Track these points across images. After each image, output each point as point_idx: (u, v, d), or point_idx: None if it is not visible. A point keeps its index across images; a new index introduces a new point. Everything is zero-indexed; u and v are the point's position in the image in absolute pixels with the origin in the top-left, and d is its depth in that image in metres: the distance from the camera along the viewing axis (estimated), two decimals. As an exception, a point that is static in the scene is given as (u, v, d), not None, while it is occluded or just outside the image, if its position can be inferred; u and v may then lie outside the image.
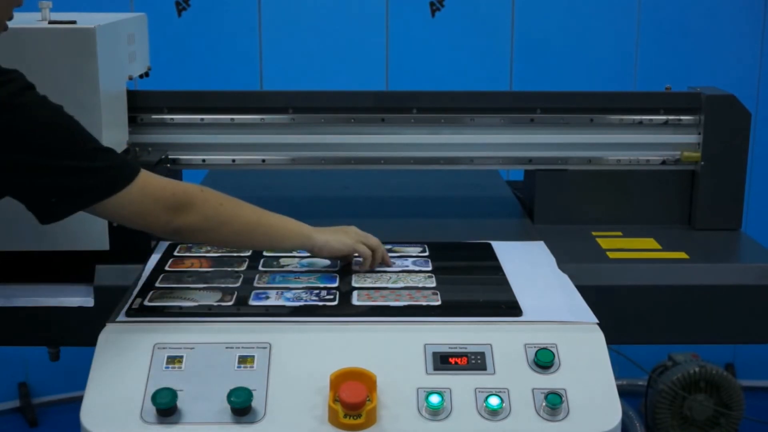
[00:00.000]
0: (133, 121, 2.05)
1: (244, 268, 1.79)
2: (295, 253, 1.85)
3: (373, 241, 1.78)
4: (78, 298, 1.80)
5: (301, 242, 1.72)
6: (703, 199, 2.10)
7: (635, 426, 3.17)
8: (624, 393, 1.59)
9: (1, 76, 1.43)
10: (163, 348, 1.50)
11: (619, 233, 2.08)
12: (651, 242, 2.02)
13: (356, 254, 1.77)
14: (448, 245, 1.94)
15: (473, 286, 1.79)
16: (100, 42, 1.76)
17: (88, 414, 1.41)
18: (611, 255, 1.94)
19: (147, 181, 1.54)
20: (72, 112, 1.76)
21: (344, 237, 1.75)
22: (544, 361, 1.48)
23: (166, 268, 1.79)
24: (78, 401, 1.43)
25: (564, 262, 1.85)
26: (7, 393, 3.59)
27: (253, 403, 1.41)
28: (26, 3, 1.91)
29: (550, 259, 1.87)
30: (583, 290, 1.72)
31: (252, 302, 1.64)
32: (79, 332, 1.74)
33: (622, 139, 2.12)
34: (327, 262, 1.80)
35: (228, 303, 1.63)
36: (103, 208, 1.50)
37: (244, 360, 1.49)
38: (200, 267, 1.80)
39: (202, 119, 2.08)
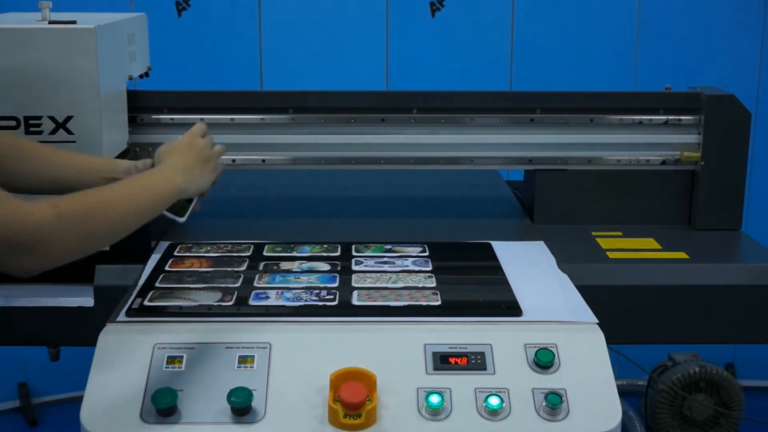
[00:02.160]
0: (133, 121, 2.05)
1: (244, 268, 1.79)
2: (295, 253, 1.86)
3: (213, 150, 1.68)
4: (78, 298, 1.80)
5: (176, 198, 1.57)
6: (703, 199, 2.10)
7: (635, 426, 3.17)
8: (624, 393, 1.60)
9: None
10: (163, 348, 1.50)
11: (619, 233, 2.08)
12: (651, 242, 2.02)
13: None
14: (448, 245, 1.94)
15: (473, 286, 1.79)
16: (100, 42, 1.76)
17: (88, 414, 1.41)
18: (611, 255, 1.94)
19: None
20: (72, 112, 1.77)
21: (211, 175, 1.65)
22: (544, 361, 1.48)
23: (166, 268, 1.79)
24: (78, 401, 1.43)
25: (564, 262, 1.85)
26: (7, 393, 3.58)
27: (253, 403, 1.41)
28: (26, 3, 1.92)
29: (550, 259, 1.87)
30: (583, 290, 1.72)
31: (252, 302, 1.64)
32: (79, 332, 1.74)
33: (622, 139, 2.12)
34: (327, 266, 1.81)
35: (228, 303, 1.63)
36: None
37: (244, 360, 1.49)
38: (200, 267, 1.80)
39: (202, 119, 2.08)
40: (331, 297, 1.66)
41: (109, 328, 1.55)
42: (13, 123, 1.76)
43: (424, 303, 1.64)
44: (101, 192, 1.41)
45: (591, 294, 1.70)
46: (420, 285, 1.71)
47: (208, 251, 1.88)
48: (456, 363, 1.49)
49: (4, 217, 1.23)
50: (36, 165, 1.60)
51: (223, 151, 1.72)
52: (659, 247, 2.00)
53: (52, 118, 1.76)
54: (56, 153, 1.67)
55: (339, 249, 1.90)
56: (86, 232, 1.34)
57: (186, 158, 1.60)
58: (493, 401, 1.42)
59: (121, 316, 1.58)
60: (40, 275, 1.82)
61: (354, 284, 1.72)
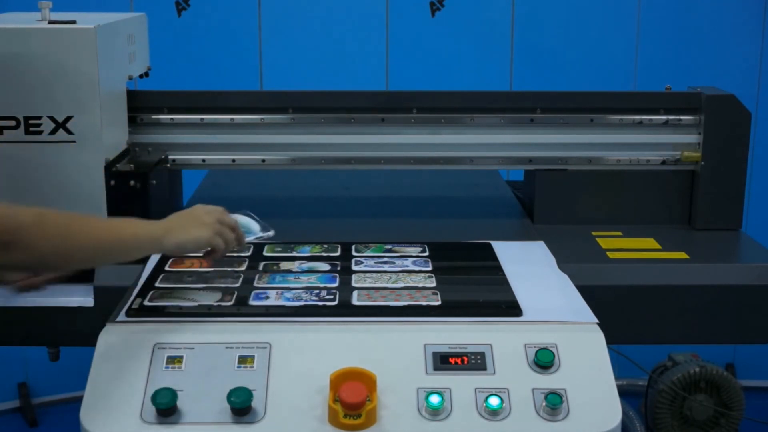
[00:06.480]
0: (133, 121, 2.05)
1: (244, 268, 1.79)
2: (294, 253, 1.86)
3: (228, 235, 1.64)
4: (78, 298, 1.80)
5: (152, 248, 1.59)
6: (703, 199, 2.10)
7: (635, 426, 3.17)
8: (624, 393, 1.59)
9: None
10: (163, 348, 1.50)
11: (619, 233, 2.08)
12: (651, 242, 2.02)
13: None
14: (448, 245, 1.94)
15: (473, 286, 1.79)
16: (100, 42, 1.76)
17: (88, 414, 1.41)
18: (611, 255, 1.94)
19: None
20: (72, 112, 1.77)
21: (200, 231, 1.58)
22: (544, 361, 1.48)
23: (166, 268, 1.79)
24: (78, 401, 1.43)
25: (564, 262, 1.85)
26: (7, 393, 3.58)
27: (253, 403, 1.41)
28: (26, 3, 1.92)
29: (550, 259, 1.87)
30: (583, 290, 1.71)
31: (252, 302, 1.64)
32: (79, 332, 1.74)
33: (622, 139, 2.12)
34: (327, 266, 1.80)
35: (228, 303, 1.63)
36: None
37: (244, 360, 1.49)
38: (200, 267, 1.80)
39: (202, 119, 2.08)
40: (331, 297, 1.66)
41: (109, 328, 1.55)
42: (13, 123, 1.76)
43: (424, 303, 1.64)
44: (87, 216, 1.50)
45: (591, 294, 1.69)
46: (420, 285, 1.71)
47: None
48: (456, 363, 1.49)
49: None
50: None
51: (229, 239, 1.64)
52: (659, 247, 2.00)
53: (52, 118, 1.76)
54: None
55: (339, 249, 1.90)
56: (61, 244, 1.41)
57: (180, 218, 1.59)
58: (493, 401, 1.42)
59: (121, 316, 1.58)
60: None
61: (354, 284, 1.72)
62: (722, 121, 2.08)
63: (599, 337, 1.55)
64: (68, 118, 1.76)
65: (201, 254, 1.69)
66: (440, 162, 2.13)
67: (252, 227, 1.79)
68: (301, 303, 1.63)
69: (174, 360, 1.48)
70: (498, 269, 1.81)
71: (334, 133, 2.11)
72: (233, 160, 2.12)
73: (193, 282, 1.72)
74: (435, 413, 1.42)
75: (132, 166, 1.92)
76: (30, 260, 1.38)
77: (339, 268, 1.79)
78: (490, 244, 1.94)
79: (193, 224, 1.59)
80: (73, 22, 1.77)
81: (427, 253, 1.88)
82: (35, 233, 1.36)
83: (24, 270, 1.43)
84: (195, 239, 1.59)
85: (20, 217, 1.36)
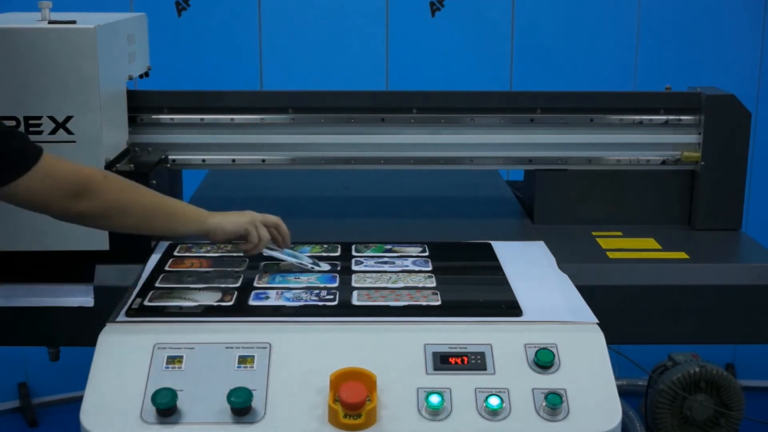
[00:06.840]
0: (133, 121, 2.05)
1: (244, 268, 1.79)
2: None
3: (263, 232, 1.75)
4: (78, 298, 1.80)
5: (196, 226, 1.70)
6: (703, 199, 2.10)
7: (635, 426, 3.17)
8: (624, 393, 1.59)
9: None
10: (163, 348, 1.50)
11: (619, 233, 2.08)
12: (651, 242, 2.02)
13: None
14: (448, 245, 1.94)
15: (473, 286, 1.79)
16: (100, 42, 1.76)
17: (88, 414, 1.41)
18: (611, 255, 1.94)
19: (50, 164, 1.50)
20: (72, 112, 1.77)
21: (239, 218, 1.73)
22: (544, 361, 1.48)
23: (166, 268, 1.79)
24: (78, 401, 1.43)
25: (564, 262, 1.85)
26: (7, 393, 3.58)
27: (253, 403, 1.41)
28: (26, 3, 1.92)
29: (550, 259, 1.87)
30: (583, 290, 1.72)
31: (252, 302, 1.64)
32: (79, 332, 1.74)
33: (622, 139, 2.12)
34: (327, 266, 1.80)
35: (228, 303, 1.63)
36: (3, 192, 1.48)
37: (244, 360, 1.49)
38: (200, 267, 1.80)
39: (202, 119, 2.08)
40: (331, 297, 1.66)
41: (109, 328, 1.55)
42: (13, 123, 1.76)
43: (424, 303, 1.64)
44: (143, 188, 1.66)
45: (591, 294, 1.70)
46: (420, 285, 1.71)
47: (208, 251, 1.88)
48: (456, 363, 1.49)
49: (67, 168, 1.53)
50: None
51: (267, 237, 1.77)
52: (659, 247, 2.00)
53: (52, 118, 1.76)
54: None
55: (339, 249, 1.90)
56: (122, 199, 1.60)
57: (228, 213, 1.74)
58: (493, 401, 1.42)
59: (121, 316, 1.58)
60: (39, 275, 1.84)
61: (354, 284, 1.72)
62: (722, 121, 2.08)
63: (599, 337, 1.55)
64: (68, 118, 1.77)
65: (235, 244, 1.77)
66: (440, 162, 2.13)
67: (303, 258, 1.82)
68: (301, 303, 1.63)
69: (174, 360, 1.48)
70: (498, 269, 1.81)
71: (334, 133, 2.11)
72: (233, 160, 2.12)
73: (193, 282, 1.72)
74: (435, 413, 1.42)
75: (132, 166, 1.92)
76: (96, 210, 1.55)
77: (339, 268, 1.79)
78: (490, 244, 1.94)
79: (234, 213, 1.74)
80: (73, 22, 1.77)
81: (427, 253, 1.88)
82: (103, 185, 1.56)
83: (88, 222, 1.59)
84: (233, 222, 1.72)
85: (89, 171, 1.57)
